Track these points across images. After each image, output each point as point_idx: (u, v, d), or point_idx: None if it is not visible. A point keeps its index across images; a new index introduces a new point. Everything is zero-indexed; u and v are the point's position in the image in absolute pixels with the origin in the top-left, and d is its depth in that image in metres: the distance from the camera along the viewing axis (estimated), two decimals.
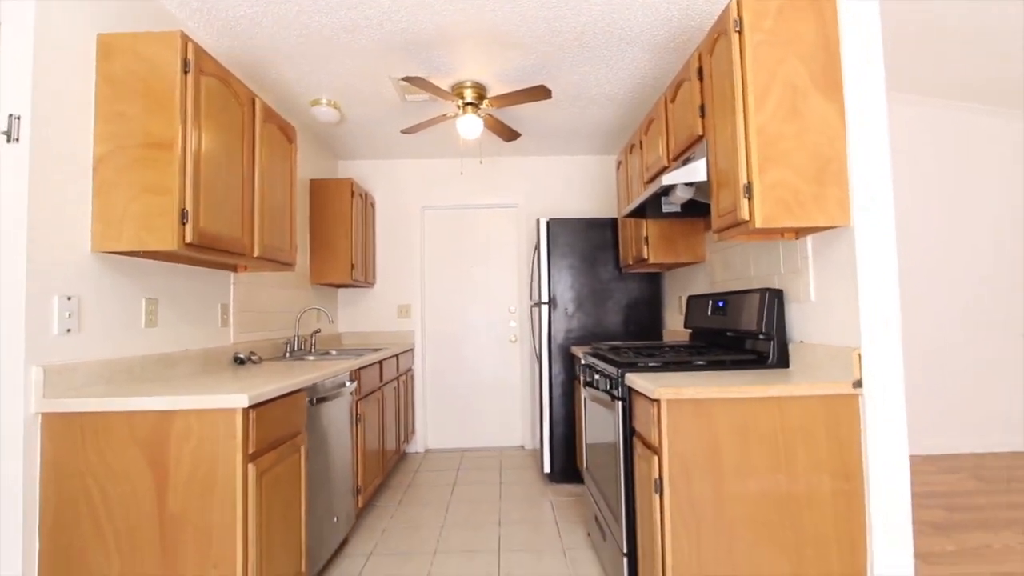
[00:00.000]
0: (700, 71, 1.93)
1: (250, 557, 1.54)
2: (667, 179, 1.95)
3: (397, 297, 4.29)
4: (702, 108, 1.93)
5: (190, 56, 1.76)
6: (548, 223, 3.45)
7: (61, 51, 1.61)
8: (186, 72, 1.75)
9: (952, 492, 3.03)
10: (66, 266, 1.62)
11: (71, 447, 1.50)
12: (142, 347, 1.94)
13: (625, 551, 1.82)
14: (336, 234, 3.60)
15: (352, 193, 3.63)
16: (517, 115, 3.42)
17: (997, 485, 3.11)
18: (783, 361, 1.91)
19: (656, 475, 1.55)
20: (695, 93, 1.97)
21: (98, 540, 1.49)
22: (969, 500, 2.90)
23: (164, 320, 2.07)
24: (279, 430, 1.75)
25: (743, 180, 1.60)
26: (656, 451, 1.58)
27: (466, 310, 4.36)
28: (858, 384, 1.54)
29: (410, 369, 4.09)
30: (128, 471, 1.50)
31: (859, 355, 1.55)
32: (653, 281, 3.47)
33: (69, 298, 1.61)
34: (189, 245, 1.74)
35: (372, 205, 4.19)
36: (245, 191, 2.10)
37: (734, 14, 1.63)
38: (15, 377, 1.46)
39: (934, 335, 3.83)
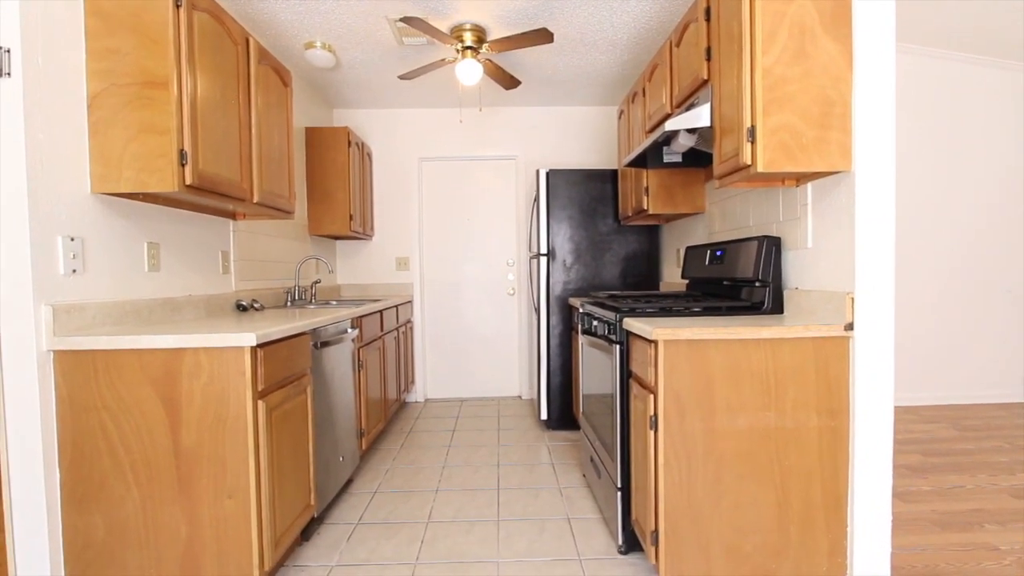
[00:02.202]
0: (708, 11, 1.88)
1: (263, 487, 1.61)
2: (670, 124, 1.93)
3: (395, 249, 4.30)
4: (708, 51, 1.89)
5: None
6: (548, 174, 3.43)
7: None
8: (178, 6, 1.69)
9: (931, 439, 3.16)
10: (68, 207, 1.61)
11: (84, 383, 1.54)
12: (147, 290, 1.96)
13: (619, 486, 1.92)
14: (334, 184, 3.57)
15: (349, 142, 3.58)
16: (517, 62, 3.33)
17: (975, 433, 3.25)
18: (778, 307, 1.96)
19: (651, 413, 1.61)
20: (701, 35, 1.93)
21: (116, 472, 1.55)
22: (947, 446, 3.03)
23: (166, 265, 2.08)
24: (286, 370, 1.80)
25: (747, 124, 1.59)
26: (652, 390, 1.64)
27: (464, 262, 4.38)
28: (850, 327, 1.59)
29: (409, 320, 4.14)
30: (142, 406, 1.54)
31: (852, 299, 1.59)
32: (651, 233, 3.48)
33: (72, 239, 1.62)
34: (189, 187, 1.74)
35: (369, 155, 4.13)
36: (243, 134, 2.07)
37: None
38: (25, 315, 1.48)
39: (921, 289, 3.89)
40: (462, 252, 4.38)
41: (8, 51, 1.45)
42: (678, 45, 2.19)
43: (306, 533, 2.08)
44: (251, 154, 2.13)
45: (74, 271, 1.63)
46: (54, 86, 1.57)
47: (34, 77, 1.50)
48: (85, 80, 1.67)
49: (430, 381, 4.42)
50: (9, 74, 1.46)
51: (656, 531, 1.62)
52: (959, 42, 3.62)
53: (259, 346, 1.60)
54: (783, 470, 1.61)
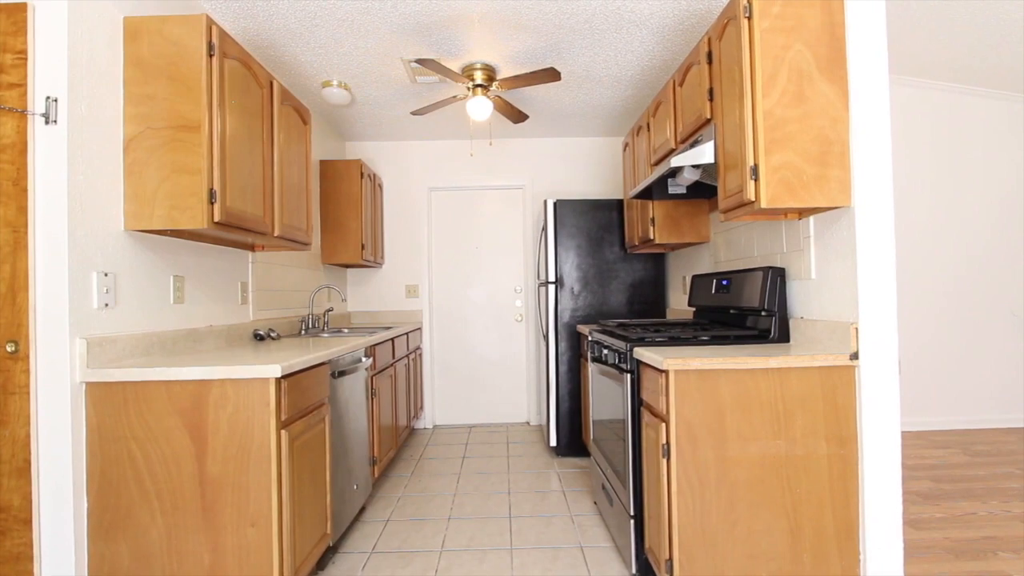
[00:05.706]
0: (709, 55, 1.98)
1: (284, 517, 1.65)
2: (675, 161, 2.02)
3: (405, 277, 4.37)
4: (711, 92, 1.99)
5: (215, 39, 1.81)
6: (555, 204, 3.52)
7: (91, 34, 1.66)
8: (211, 55, 1.80)
9: (942, 465, 3.16)
10: (102, 244, 1.69)
11: (114, 414, 1.60)
12: (172, 322, 2.03)
13: (632, 514, 1.94)
14: (346, 215, 3.67)
15: (362, 174, 3.69)
16: (525, 97, 3.46)
17: (985, 459, 3.24)
18: (784, 336, 2.00)
19: (663, 441, 1.65)
20: (704, 77, 2.02)
21: (142, 500, 1.59)
22: (958, 472, 3.03)
23: (190, 297, 2.15)
24: (307, 400, 1.85)
25: (750, 162, 1.67)
26: (663, 419, 1.68)
27: (473, 290, 4.45)
28: (855, 356, 1.64)
29: (419, 347, 4.19)
30: (169, 436, 1.60)
31: (856, 329, 1.64)
32: (657, 261, 3.55)
33: (106, 274, 1.69)
34: (217, 224, 1.82)
35: (380, 186, 4.25)
36: (266, 171, 2.17)
37: (744, 0, 1.68)
38: (61, 349, 1.55)
39: (926, 315, 3.92)
40: (470, 279, 4.45)
41: (56, 100, 1.55)
42: (681, 85, 2.30)
43: (321, 562, 2.09)
44: (273, 190, 2.23)
45: (106, 305, 1.70)
46: (94, 131, 1.67)
47: (78, 124, 1.60)
48: (122, 124, 1.78)
49: (439, 407, 4.44)
50: (56, 121, 1.55)
51: (671, 559, 1.64)
52: (957, 74, 3.73)
53: (283, 377, 1.66)
54: (795, 498, 1.63)
